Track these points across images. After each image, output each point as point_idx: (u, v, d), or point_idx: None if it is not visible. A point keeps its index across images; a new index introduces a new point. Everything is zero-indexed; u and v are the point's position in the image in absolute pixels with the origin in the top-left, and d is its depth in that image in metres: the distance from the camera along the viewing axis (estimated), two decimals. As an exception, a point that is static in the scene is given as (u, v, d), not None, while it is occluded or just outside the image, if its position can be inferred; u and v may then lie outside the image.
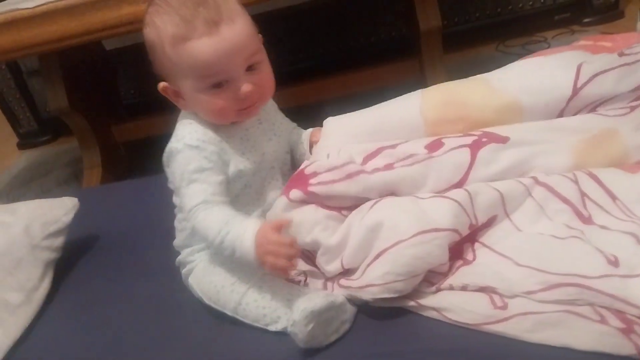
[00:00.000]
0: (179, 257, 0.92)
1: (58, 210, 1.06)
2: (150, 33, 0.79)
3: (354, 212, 0.83)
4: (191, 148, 0.80)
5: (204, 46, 0.74)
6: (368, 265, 0.77)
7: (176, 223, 0.93)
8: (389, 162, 0.85)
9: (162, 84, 0.83)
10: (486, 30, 2.28)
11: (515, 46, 2.24)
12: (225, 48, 0.75)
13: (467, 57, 2.25)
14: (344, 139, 0.89)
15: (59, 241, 1.04)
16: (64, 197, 1.10)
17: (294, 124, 0.98)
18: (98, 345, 0.87)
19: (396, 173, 0.84)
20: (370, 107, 0.94)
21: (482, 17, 2.29)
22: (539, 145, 0.85)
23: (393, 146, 0.87)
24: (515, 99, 0.88)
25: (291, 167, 0.94)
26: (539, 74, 0.90)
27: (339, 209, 0.85)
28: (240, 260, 0.76)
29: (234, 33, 0.75)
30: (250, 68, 0.79)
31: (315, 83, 1.70)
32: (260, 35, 0.82)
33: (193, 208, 0.79)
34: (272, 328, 0.78)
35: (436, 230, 0.75)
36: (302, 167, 0.86)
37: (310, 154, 0.92)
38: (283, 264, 0.72)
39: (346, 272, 0.82)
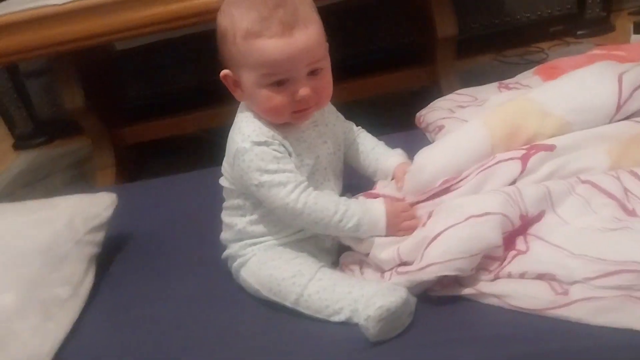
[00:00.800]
0: (228, 251, 0.93)
1: (98, 206, 1.06)
2: (224, 20, 0.80)
3: None
4: (259, 144, 0.83)
5: (274, 46, 0.77)
6: (424, 249, 0.80)
7: (224, 218, 0.94)
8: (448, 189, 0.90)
9: (224, 72, 0.85)
10: (484, 40, 2.35)
11: (513, 56, 2.32)
12: (294, 51, 0.77)
13: (467, 66, 2.31)
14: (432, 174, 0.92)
15: (100, 236, 1.05)
16: (102, 192, 1.11)
17: (351, 124, 1.00)
18: (148, 341, 0.88)
19: (453, 193, 0.89)
20: (442, 149, 0.96)
21: (481, 28, 2.37)
22: (581, 150, 0.91)
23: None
24: (566, 121, 0.93)
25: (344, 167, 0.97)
26: (584, 92, 0.95)
27: None
28: (365, 228, 0.83)
29: (305, 38, 0.78)
30: (312, 73, 0.81)
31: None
32: (327, 43, 0.84)
33: (290, 193, 0.81)
34: (334, 319, 0.80)
35: (487, 213, 0.79)
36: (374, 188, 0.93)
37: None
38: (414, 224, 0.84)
39: (403, 264, 0.85)
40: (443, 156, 0.95)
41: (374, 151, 0.99)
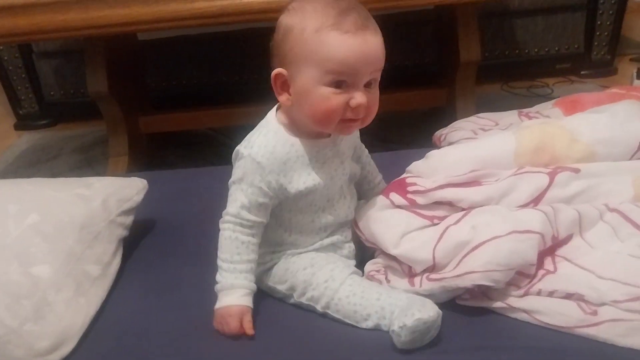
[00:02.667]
0: None
1: (130, 189, 1.08)
2: (292, 17, 0.80)
3: (447, 218, 0.90)
4: (253, 161, 0.84)
5: (346, 42, 0.76)
6: (464, 256, 0.83)
7: None
8: (478, 181, 0.94)
9: (277, 70, 0.82)
10: (493, 70, 2.42)
11: (519, 88, 2.39)
12: (364, 51, 0.77)
13: (476, 94, 2.38)
14: (445, 170, 0.95)
15: (129, 219, 1.06)
16: (134, 178, 1.12)
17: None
18: (177, 326, 0.88)
19: (484, 188, 0.92)
20: (468, 143, 1.02)
21: (490, 58, 2.42)
22: (605, 178, 0.95)
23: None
24: (593, 150, 0.97)
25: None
26: (614, 127, 1.00)
27: (431, 217, 0.91)
28: (218, 293, 0.86)
29: (376, 42, 0.79)
30: (367, 84, 0.81)
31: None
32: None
33: (226, 216, 0.86)
34: (362, 325, 0.82)
35: (529, 231, 0.83)
36: (404, 175, 0.93)
37: None
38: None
39: (432, 268, 0.87)
40: (466, 147, 1.02)
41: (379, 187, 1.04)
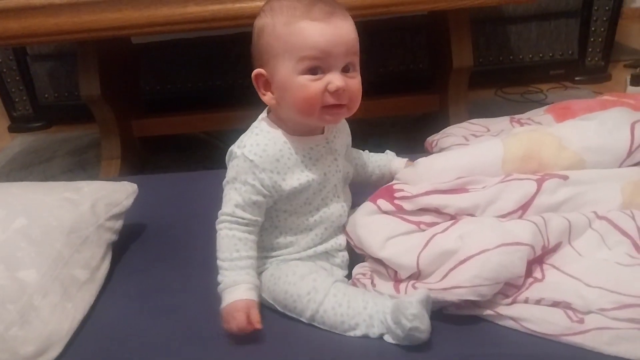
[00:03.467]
0: None
1: (120, 194, 1.07)
2: (264, 17, 0.84)
3: (435, 226, 0.90)
4: (246, 160, 0.85)
5: (316, 28, 0.80)
6: (451, 269, 0.83)
7: None
8: (465, 188, 0.94)
9: (256, 70, 0.85)
10: (487, 76, 2.43)
11: (513, 94, 2.40)
12: (334, 35, 0.80)
13: (470, 98, 2.39)
14: (432, 178, 0.96)
15: (118, 224, 1.06)
16: (124, 182, 1.12)
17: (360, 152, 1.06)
18: (166, 331, 0.88)
19: (470, 194, 0.92)
20: (456, 151, 1.04)
21: (485, 63, 2.44)
22: (593, 185, 0.95)
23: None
24: (581, 157, 0.97)
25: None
26: (603, 134, 1.00)
27: (417, 223, 0.91)
28: (221, 293, 0.85)
29: (344, 26, 0.81)
30: (345, 69, 0.82)
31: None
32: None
33: (222, 216, 0.86)
34: (350, 334, 0.82)
35: (518, 243, 0.82)
36: (392, 182, 0.94)
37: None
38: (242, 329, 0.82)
39: (417, 276, 0.87)
40: (453, 155, 1.03)
41: (372, 159, 1.07)
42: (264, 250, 0.91)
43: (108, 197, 1.05)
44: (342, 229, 0.95)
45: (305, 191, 0.88)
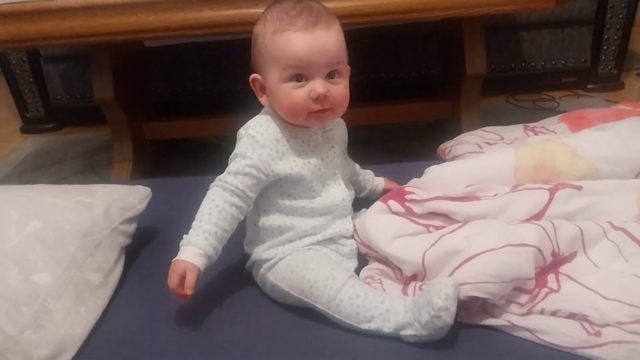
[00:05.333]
0: (252, 258, 0.95)
1: (133, 197, 1.07)
2: (259, 25, 0.90)
3: (444, 228, 0.90)
4: (249, 136, 0.90)
5: (297, 38, 0.84)
6: (456, 267, 0.82)
7: (247, 222, 0.97)
8: (475, 196, 0.94)
9: (253, 75, 0.93)
10: (499, 83, 2.42)
11: (525, 101, 2.39)
12: (314, 45, 0.84)
13: (481, 107, 2.38)
14: (443, 184, 0.97)
15: (132, 228, 1.06)
16: (137, 185, 1.12)
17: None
18: (179, 336, 0.88)
19: (481, 202, 0.92)
20: (467, 159, 1.04)
21: (497, 70, 2.43)
22: (608, 195, 0.94)
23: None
24: (595, 167, 0.97)
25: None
26: (618, 144, 1.00)
27: (426, 225, 0.91)
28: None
29: (326, 36, 0.85)
30: (330, 76, 0.87)
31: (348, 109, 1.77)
32: (346, 53, 0.91)
33: (217, 180, 0.90)
34: (363, 327, 0.82)
35: (524, 244, 0.82)
36: (403, 186, 0.95)
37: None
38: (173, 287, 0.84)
39: (423, 276, 0.87)
40: (465, 163, 1.03)
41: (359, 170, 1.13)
42: (274, 235, 0.93)
43: (122, 200, 1.05)
44: (347, 213, 0.97)
45: (304, 177, 0.91)
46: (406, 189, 0.95)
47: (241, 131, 0.93)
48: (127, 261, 1.04)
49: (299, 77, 0.86)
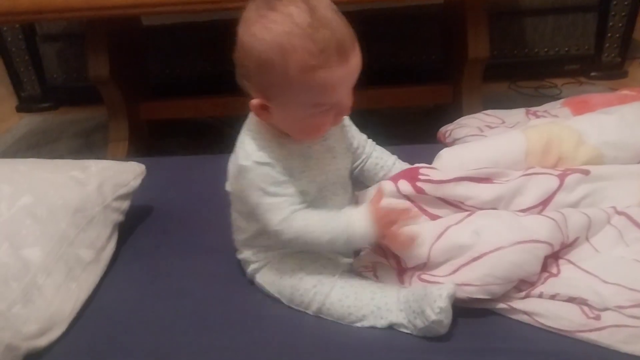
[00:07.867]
0: (243, 256, 0.92)
1: (127, 174, 1.06)
2: (267, 48, 0.72)
3: (450, 216, 0.87)
4: (262, 165, 0.80)
5: (334, 76, 0.73)
6: (463, 265, 0.81)
7: (234, 221, 0.93)
8: (489, 179, 0.91)
9: (256, 101, 0.78)
10: (501, 69, 2.39)
11: (527, 87, 2.36)
12: (352, 75, 0.76)
13: (482, 92, 2.36)
14: (456, 168, 0.93)
15: (125, 204, 1.04)
16: (132, 162, 1.10)
17: (365, 137, 0.98)
18: (171, 314, 0.87)
19: (496, 186, 0.89)
20: (478, 142, 1.02)
21: (499, 56, 2.39)
22: (613, 181, 0.93)
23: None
24: (600, 152, 0.96)
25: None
26: (623, 129, 0.98)
27: (433, 216, 0.89)
28: (356, 244, 0.82)
29: (358, 60, 0.76)
30: None
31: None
32: None
33: (284, 220, 0.80)
34: (357, 325, 0.81)
35: (535, 241, 0.80)
36: (419, 165, 0.92)
37: None
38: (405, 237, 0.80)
39: (423, 267, 0.85)
40: (477, 147, 1.00)
41: (374, 153, 0.99)
42: (262, 240, 0.88)
43: (115, 177, 1.03)
44: None
45: (309, 191, 0.84)
46: (420, 170, 0.91)
47: (245, 164, 0.81)
48: (120, 238, 1.02)
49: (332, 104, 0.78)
